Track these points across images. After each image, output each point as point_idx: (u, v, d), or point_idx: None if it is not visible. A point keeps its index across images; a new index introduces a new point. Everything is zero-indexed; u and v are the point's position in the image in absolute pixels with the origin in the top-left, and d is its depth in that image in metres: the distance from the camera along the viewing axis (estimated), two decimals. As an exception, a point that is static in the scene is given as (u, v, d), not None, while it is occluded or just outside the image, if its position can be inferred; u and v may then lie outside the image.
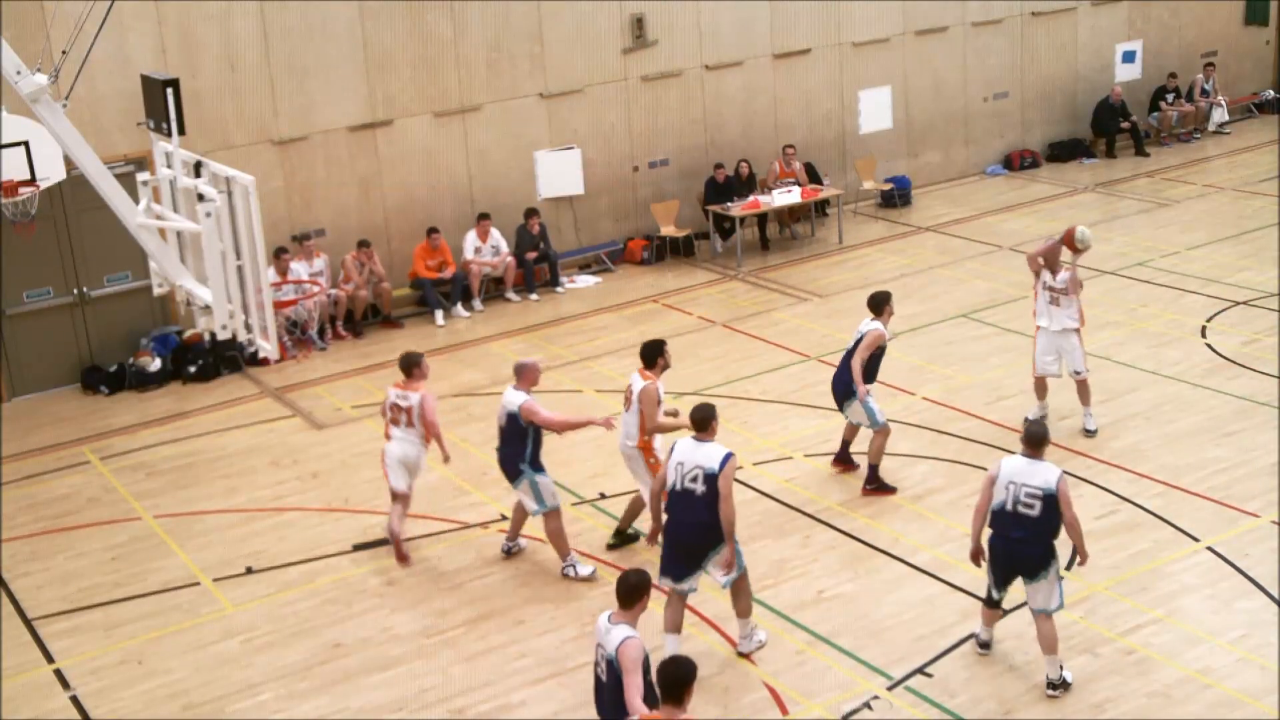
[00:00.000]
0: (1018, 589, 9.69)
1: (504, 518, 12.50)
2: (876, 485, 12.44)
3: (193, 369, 16.61)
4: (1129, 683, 9.50)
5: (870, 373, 12.35)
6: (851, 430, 12.77)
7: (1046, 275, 13.26)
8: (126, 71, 15.71)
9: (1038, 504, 9.15)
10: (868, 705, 9.40)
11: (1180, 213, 20.93)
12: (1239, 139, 25.10)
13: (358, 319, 18.06)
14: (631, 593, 7.67)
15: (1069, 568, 11.03)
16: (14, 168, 11.82)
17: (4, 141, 11.65)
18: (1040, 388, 13.63)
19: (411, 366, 11.74)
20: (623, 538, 11.79)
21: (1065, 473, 9.39)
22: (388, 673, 10.22)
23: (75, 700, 10.16)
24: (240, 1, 17.05)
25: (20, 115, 11.91)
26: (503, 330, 17.84)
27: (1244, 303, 16.68)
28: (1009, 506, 9.24)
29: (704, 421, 9.68)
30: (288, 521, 12.79)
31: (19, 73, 11.11)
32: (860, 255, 20.04)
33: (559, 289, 19.21)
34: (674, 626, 9.76)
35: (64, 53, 11.53)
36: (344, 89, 17.93)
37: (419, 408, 11.54)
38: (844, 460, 12.90)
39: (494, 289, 19.16)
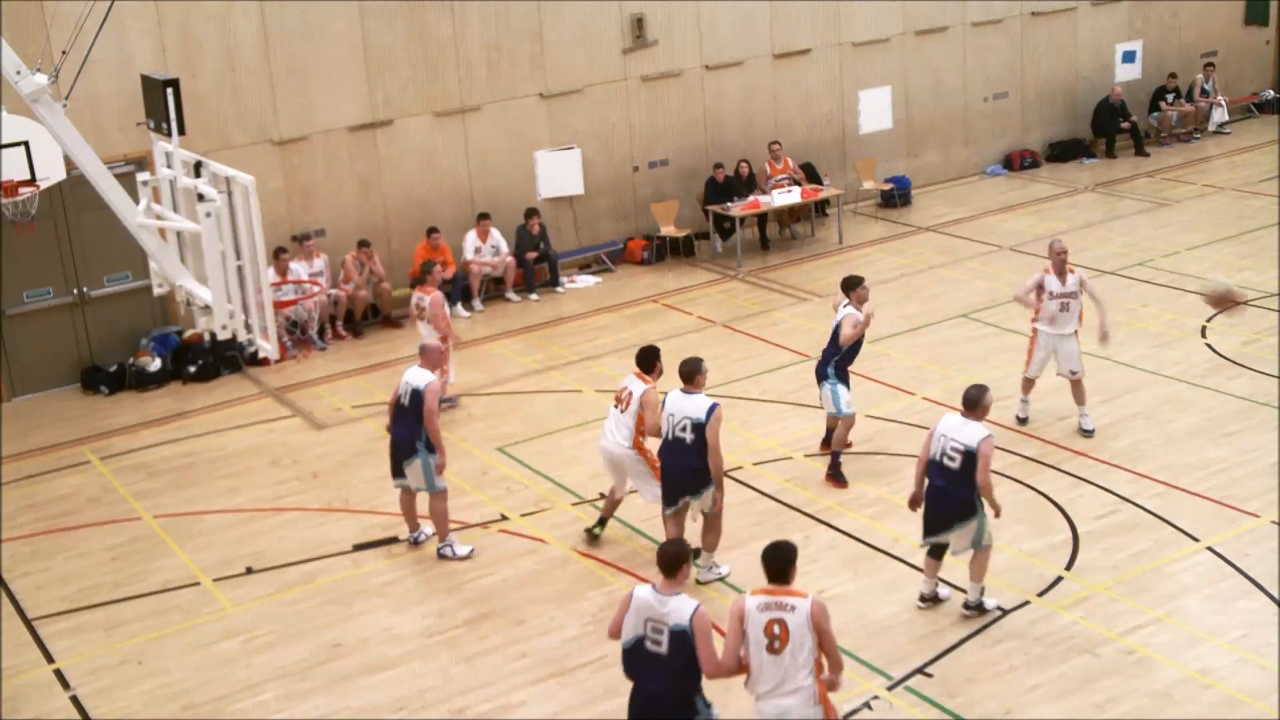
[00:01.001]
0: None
1: (504, 517, 12.51)
2: (835, 476, 12.63)
3: (193, 369, 16.61)
4: (1129, 683, 9.51)
5: (848, 357, 12.63)
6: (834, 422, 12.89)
7: (1053, 282, 13.23)
8: (126, 71, 15.71)
9: (959, 458, 9.92)
10: (868, 705, 9.40)
11: (1180, 213, 20.93)
12: (1239, 139, 25.10)
13: (358, 319, 18.06)
14: (673, 562, 7.79)
15: (1068, 567, 11.04)
16: (14, 168, 11.82)
17: (4, 141, 11.65)
18: (1029, 386, 13.74)
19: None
20: (601, 528, 12.07)
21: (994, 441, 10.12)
22: (388, 673, 10.22)
23: (75, 700, 10.16)
24: (240, 1, 17.06)
25: (20, 115, 11.91)
26: (503, 330, 17.84)
27: (1244, 303, 16.67)
28: (937, 457, 10.06)
29: (690, 374, 10.62)
30: (288, 521, 12.79)
31: (19, 73, 11.11)
32: (860, 255, 20.04)
33: (559, 289, 19.21)
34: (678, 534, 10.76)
35: (64, 53, 11.53)
36: (344, 89, 17.93)
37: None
38: (835, 470, 12.75)
39: (494, 289, 19.16)
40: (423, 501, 11.85)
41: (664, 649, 7.67)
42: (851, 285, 12.70)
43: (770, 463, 13.24)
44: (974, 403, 10.11)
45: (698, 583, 10.82)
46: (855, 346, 12.65)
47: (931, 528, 10.22)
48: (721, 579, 11.04)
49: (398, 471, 11.67)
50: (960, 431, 10.00)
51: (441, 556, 11.75)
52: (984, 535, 10.14)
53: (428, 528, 12.05)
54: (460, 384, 15.90)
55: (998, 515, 10.10)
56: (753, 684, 7.73)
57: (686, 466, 10.57)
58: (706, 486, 10.57)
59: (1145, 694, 9.38)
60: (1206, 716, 9.13)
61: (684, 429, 10.46)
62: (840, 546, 11.59)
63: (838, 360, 12.63)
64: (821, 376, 12.74)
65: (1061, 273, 13.25)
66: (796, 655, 7.57)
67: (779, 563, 7.72)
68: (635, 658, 7.80)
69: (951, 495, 10.01)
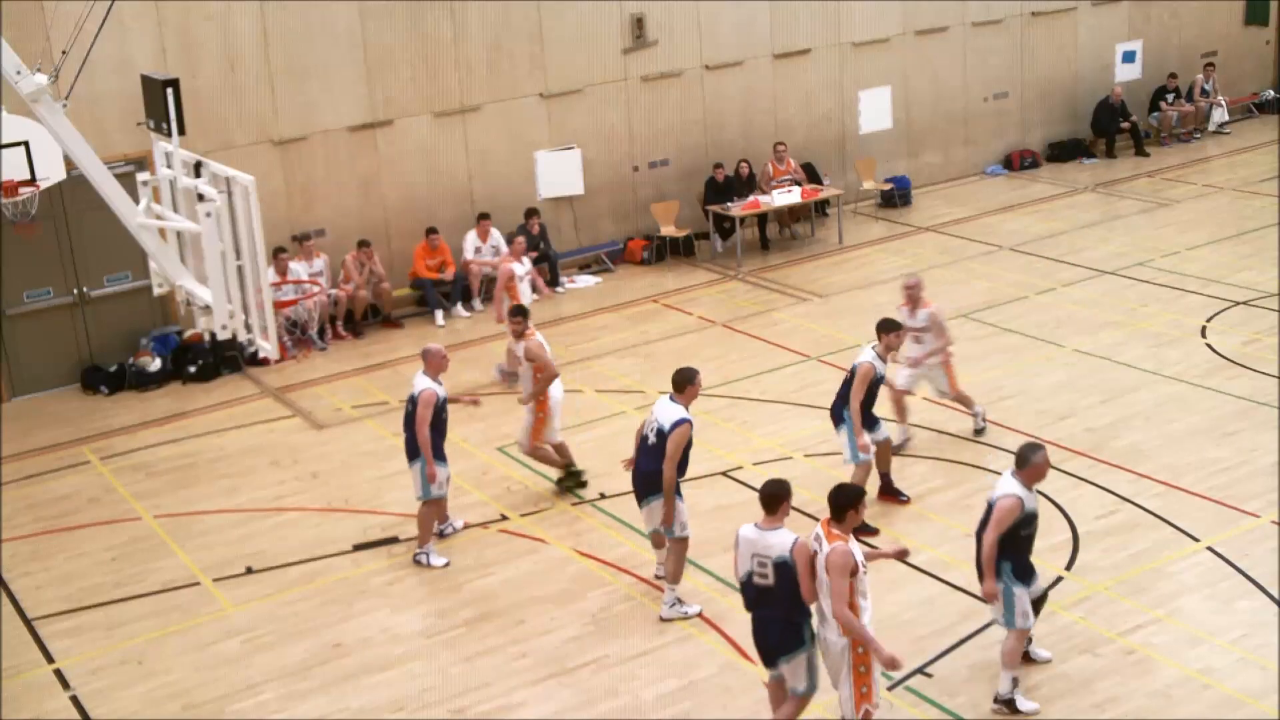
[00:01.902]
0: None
1: (504, 517, 12.51)
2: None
3: (193, 369, 16.62)
4: (1129, 683, 9.51)
5: (867, 402, 11.82)
6: (883, 458, 12.21)
7: (904, 315, 12.95)
8: (126, 71, 15.71)
9: (985, 510, 9.19)
10: (868, 705, 9.38)
11: (1180, 213, 20.92)
12: (1239, 139, 25.10)
13: (358, 319, 18.06)
14: (772, 499, 8.48)
15: (1068, 567, 11.05)
16: (14, 168, 11.81)
17: (4, 141, 11.64)
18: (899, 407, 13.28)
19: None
20: (572, 477, 12.72)
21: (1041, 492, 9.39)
22: (388, 673, 10.22)
23: (75, 700, 10.16)
24: (240, 1, 17.06)
25: (20, 115, 11.90)
26: (502, 330, 17.78)
27: (1244, 303, 16.68)
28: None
29: (681, 383, 10.62)
30: (288, 521, 12.79)
31: (19, 73, 11.10)
32: (860, 255, 20.04)
33: (559, 289, 19.21)
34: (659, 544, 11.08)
35: (64, 53, 11.52)
36: (344, 89, 17.93)
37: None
38: (890, 491, 12.26)
39: (494, 289, 19.14)
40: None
41: (770, 580, 8.38)
42: (887, 329, 11.92)
43: (770, 463, 13.24)
44: (1023, 461, 9.15)
45: (661, 619, 10.62)
46: (874, 392, 11.89)
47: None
48: (685, 618, 10.61)
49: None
50: (996, 485, 9.24)
51: (416, 562, 11.77)
52: (1013, 611, 9.18)
53: (457, 521, 12.22)
54: (460, 384, 15.89)
55: (988, 598, 9.20)
56: (864, 616, 8.31)
57: (644, 469, 10.60)
58: (654, 494, 10.50)
59: (1145, 694, 9.38)
60: (1206, 716, 9.13)
61: (653, 430, 10.53)
62: (840, 546, 11.56)
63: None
64: (838, 421, 11.95)
65: (913, 307, 13.07)
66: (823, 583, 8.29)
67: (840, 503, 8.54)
68: (748, 591, 8.55)
69: (979, 541, 9.23)
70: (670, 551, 10.68)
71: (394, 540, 12.20)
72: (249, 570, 11.90)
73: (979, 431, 13.51)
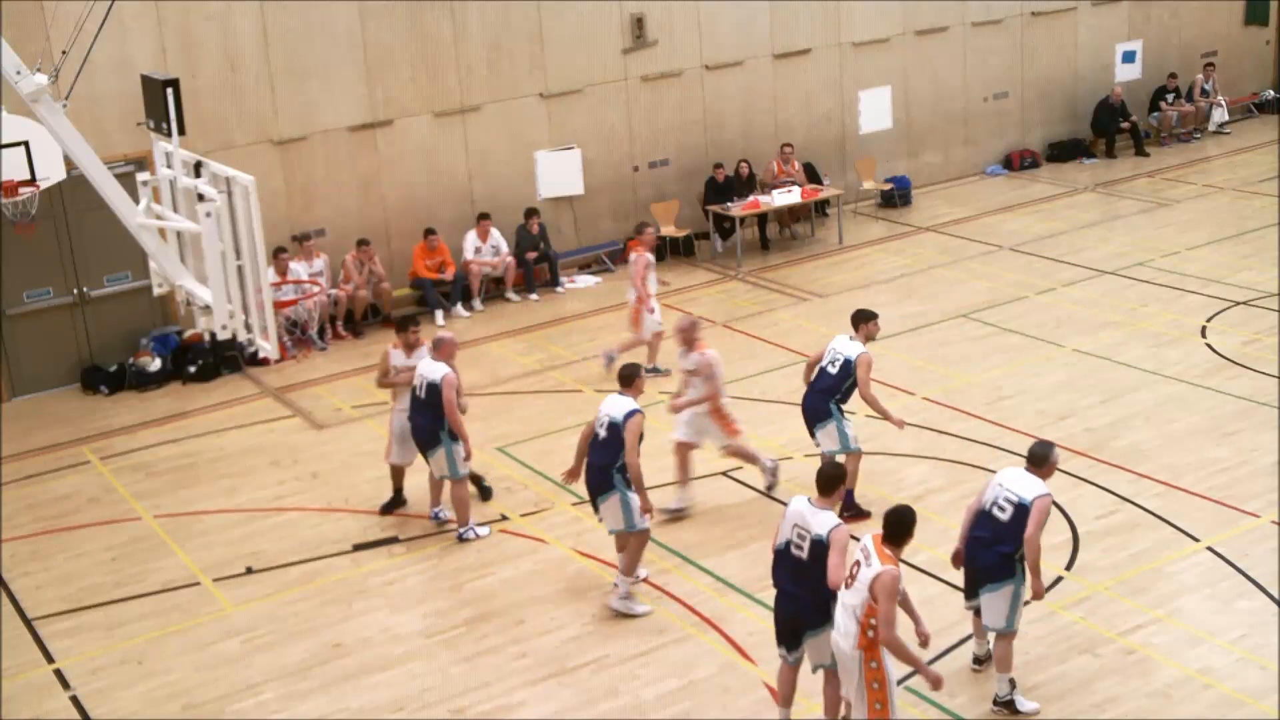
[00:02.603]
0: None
1: (504, 518, 12.52)
2: (853, 512, 11.79)
3: (193, 369, 16.61)
4: (1129, 683, 9.51)
5: (847, 395, 11.79)
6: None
7: (679, 356, 12.40)
8: (126, 71, 15.71)
9: (1010, 509, 9.02)
10: (868, 705, 9.38)
11: (1180, 213, 20.93)
12: (1239, 139, 25.10)
13: (358, 319, 18.06)
14: (830, 482, 8.67)
15: (1068, 567, 11.04)
16: (14, 168, 11.82)
17: (4, 141, 11.64)
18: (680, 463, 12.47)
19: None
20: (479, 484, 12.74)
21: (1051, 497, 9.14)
22: (388, 673, 10.23)
23: (75, 700, 10.17)
24: (240, 1, 17.06)
25: (20, 115, 11.90)
26: (503, 330, 17.84)
27: (1244, 303, 16.68)
28: (987, 507, 9.19)
29: (629, 379, 10.77)
30: (288, 521, 12.79)
31: (19, 73, 11.10)
32: (860, 255, 20.04)
33: (559, 289, 19.21)
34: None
35: (64, 53, 11.52)
36: (344, 89, 17.93)
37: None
38: (853, 507, 11.90)
39: (494, 289, 19.16)
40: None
41: (805, 554, 8.52)
42: (866, 319, 11.95)
43: (770, 463, 13.23)
44: (1041, 460, 9.20)
45: (610, 609, 10.71)
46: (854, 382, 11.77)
47: (970, 586, 9.42)
48: (634, 615, 10.66)
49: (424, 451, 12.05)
50: (1018, 484, 9.12)
51: (462, 539, 11.96)
52: (1007, 613, 9.19)
53: (447, 510, 12.29)
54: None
55: (1037, 596, 9.12)
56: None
57: (594, 465, 10.63)
58: (610, 490, 10.51)
59: (1145, 694, 9.38)
60: (1206, 716, 9.13)
61: (602, 425, 10.60)
62: (840, 546, 11.56)
63: (840, 396, 11.80)
64: (824, 415, 11.80)
65: (687, 349, 12.24)
66: (848, 590, 8.34)
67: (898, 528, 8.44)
68: (782, 560, 8.69)
69: (989, 548, 9.15)
70: (630, 546, 10.70)
71: (394, 540, 12.20)
72: (249, 570, 11.90)
73: (770, 488, 12.42)
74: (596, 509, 10.76)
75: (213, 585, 11.69)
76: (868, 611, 8.17)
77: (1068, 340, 15.89)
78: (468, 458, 11.84)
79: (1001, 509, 9.07)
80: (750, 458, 12.48)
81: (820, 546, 8.46)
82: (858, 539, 8.56)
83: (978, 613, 9.47)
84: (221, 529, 12.74)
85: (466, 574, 11.55)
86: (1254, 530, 11.41)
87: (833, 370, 11.77)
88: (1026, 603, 9.25)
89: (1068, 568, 11.05)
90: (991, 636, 9.41)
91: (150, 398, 16.28)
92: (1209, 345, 15.47)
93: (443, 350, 11.96)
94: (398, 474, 12.63)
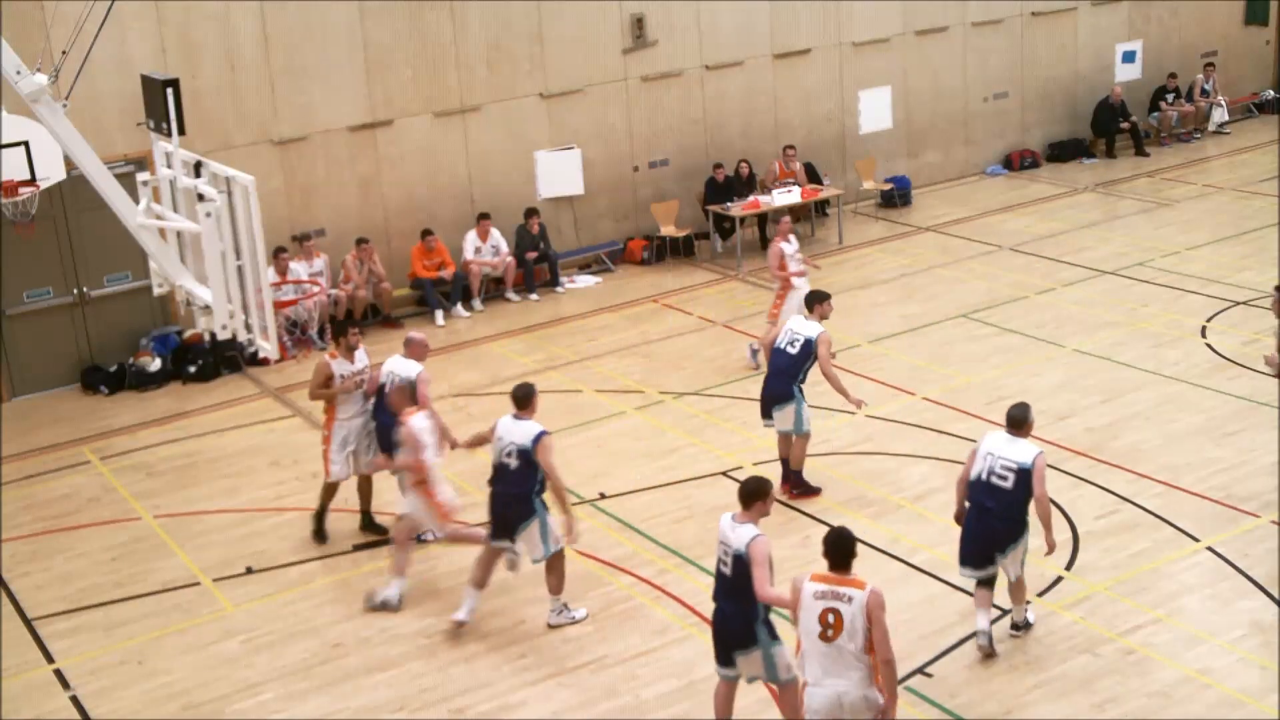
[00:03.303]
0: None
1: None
2: (803, 489, 12.28)
3: (193, 369, 16.61)
4: (1129, 683, 9.51)
5: (806, 375, 12.15)
6: (785, 445, 12.40)
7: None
8: (126, 71, 15.70)
9: (1011, 476, 9.49)
10: (868, 705, 9.38)
11: (1180, 213, 20.93)
12: (1239, 139, 25.10)
13: (358, 319, 18.05)
14: (751, 496, 8.37)
15: (1068, 567, 11.05)
16: (14, 168, 11.82)
17: (4, 141, 11.65)
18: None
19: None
20: (369, 523, 12.39)
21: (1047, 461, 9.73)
22: (388, 673, 10.23)
23: (75, 700, 10.16)
24: (240, 1, 17.06)
25: (20, 115, 11.91)
26: (503, 330, 17.84)
27: (1244, 303, 16.69)
28: (984, 477, 9.60)
29: (524, 399, 10.37)
30: (288, 521, 12.79)
31: (19, 73, 11.10)
32: (860, 255, 20.04)
33: (559, 289, 19.21)
34: (478, 582, 10.59)
35: (64, 53, 11.53)
36: (344, 89, 17.93)
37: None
38: (800, 484, 12.37)
39: (494, 289, 19.16)
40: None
41: (729, 570, 8.37)
42: (821, 299, 12.40)
43: (770, 462, 13.22)
44: (1021, 421, 9.67)
45: (549, 625, 10.61)
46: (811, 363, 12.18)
47: (979, 556, 9.69)
48: (574, 622, 10.64)
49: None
50: (1010, 450, 9.55)
51: (420, 540, 11.79)
52: (1020, 561, 9.71)
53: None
54: (460, 384, 15.91)
55: (1050, 551, 9.67)
56: (805, 669, 7.88)
57: (508, 494, 10.29)
58: (529, 519, 10.20)
59: (1145, 694, 9.38)
60: (1206, 716, 9.13)
61: (510, 454, 10.22)
62: (840, 546, 11.56)
63: (801, 378, 12.12)
64: (786, 397, 12.09)
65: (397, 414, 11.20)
66: (848, 643, 7.67)
67: (842, 551, 7.85)
68: (717, 579, 8.55)
69: (1002, 516, 9.53)
70: (551, 569, 10.49)
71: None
72: (249, 570, 11.90)
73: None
74: (512, 539, 10.31)
75: (213, 585, 11.69)
76: (869, 650, 7.67)
77: (1068, 340, 15.90)
78: (453, 446, 11.59)
79: (1002, 477, 9.51)
80: (471, 539, 10.98)
81: (741, 561, 8.23)
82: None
83: (981, 584, 9.82)
84: (221, 529, 12.74)
85: (466, 574, 11.51)
86: (1254, 530, 11.41)
87: (793, 350, 12.13)
88: (1046, 555, 9.90)
89: (1068, 568, 11.05)
90: (1006, 584, 9.87)
91: (150, 398, 16.28)
92: (1209, 345, 15.47)
93: (413, 350, 11.84)
94: (331, 493, 12.18)
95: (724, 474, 13.05)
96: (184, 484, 13.79)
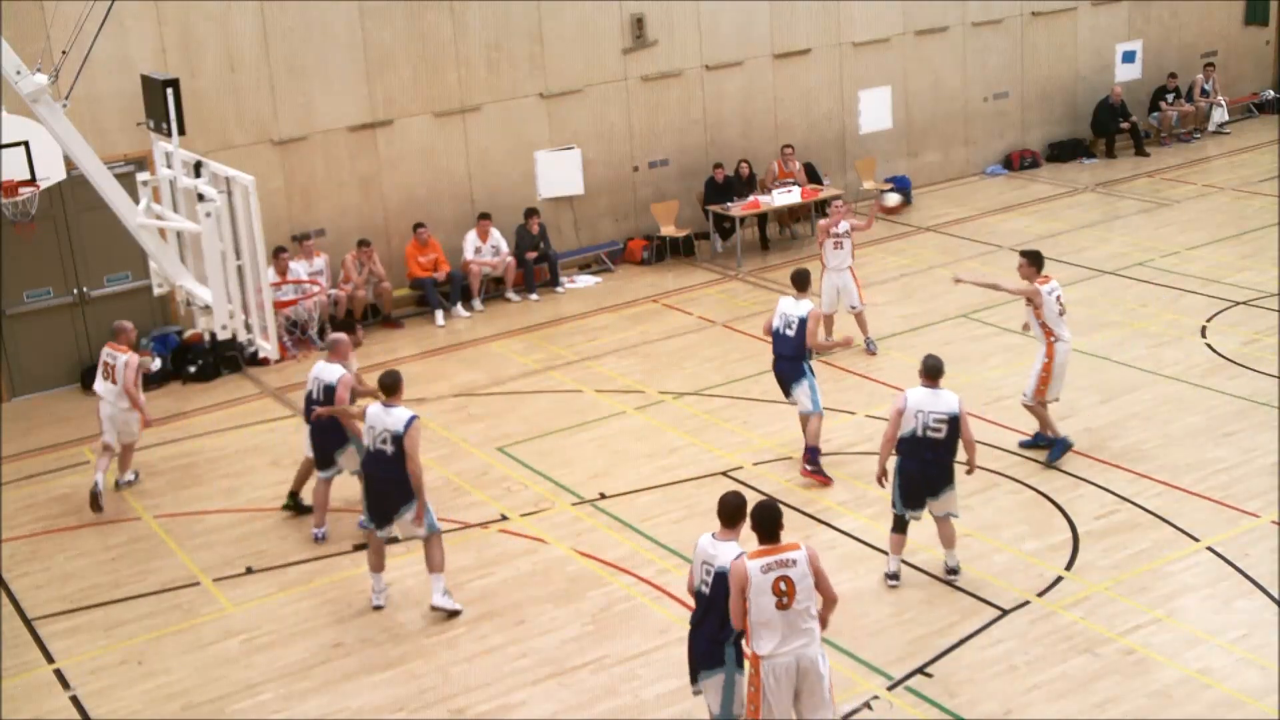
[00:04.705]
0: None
1: (504, 517, 12.52)
2: (815, 469, 12.77)
3: (193, 369, 16.62)
4: (1129, 683, 9.51)
5: (811, 353, 12.81)
6: (802, 422, 12.93)
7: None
8: (126, 71, 15.71)
9: (944, 427, 10.47)
10: (868, 705, 9.40)
11: (1180, 213, 20.93)
12: (1239, 139, 25.11)
13: (357, 319, 18.05)
14: (733, 514, 8.30)
15: (1068, 567, 11.05)
16: (14, 168, 11.83)
17: (4, 141, 11.66)
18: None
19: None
20: (295, 501, 12.80)
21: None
22: (388, 673, 10.23)
23: (75, 700, 10.16)
24: (240, 1, 17.06)
25: (20, 115, 11.91)
26: (503, 330, 17.84)
27: (1244, 303, 16.69)
28: (919, 433, 10.51)
29: (393, 387, 10.66)
30: (288, 521, 12.79)
31: (19, 73, 11.12)
32: (860, 255, 19.94)
33: (559, 289, 19.21)
34: (377, 567, 11.07)
35: (64, 53, 11.55)
36: (344, 89, 17.94)
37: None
38: (815, 463, 12.83)
39: (494, 289, 19.16)
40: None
41: (709, 589, 8.29)
42: (807, 280, 13.10)
43: (770, 463, 13.24)
44: (938, 372, 10.64)
45: (432, 608, 10.86)
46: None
47: (917, 498, 10.68)
48: (452, 611, 10.85)
49: (327, 462, 12.05)
50: (937, 403, 10.51)
51: (316, 540, 12.19)
52: (956, 500, 10.82)
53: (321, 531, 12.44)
54: (460, 384, 15.92)
55: (970, 472, 10.85)
56: (761, 643, 8.05)
57: (385, 478, 10.57)
58: (407, 503, 10.53)
59: (1145, 694, 9.38)
60: (1206, 716, 9.13)
61: (384, 441, 10.49)
62: (840, 546, 11.59)
63: (807, 355, 12.73)
64: (800, 375, 12.72)
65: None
66: (804, 603, 8.05)
67: (770, 523, 8.15)
68: (697, 600, 8.44)
69: (940, 464, 10.56)
70: (432, 545, 10.84)
71: (394, 540, 12.18)
72: (249, 570, 11.90)
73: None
74: (390, 523, 10.68)
75: (213, 585, 11.69)
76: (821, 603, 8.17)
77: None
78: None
79: (935, 429, 10.49)
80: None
81: (723, 580, 8.13)
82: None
83: (899, 528, 10.84)
84: (221, 529, 12.74)
85: (466, 574, 11.55)
86: (1254, 530, 11.41)
87: (791, 333, 12.72)
88: (968, 473, 10.90)
89: (1068, 568, 11.05)
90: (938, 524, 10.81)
91: (150, 398, 16.16)
92: (1209, 345, 15.47)
93: (338, 352, 11.98)
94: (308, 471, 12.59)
95: (724, 474, 13.05)
96: (184, 484, 13.79)
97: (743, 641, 8.23)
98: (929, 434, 10.50)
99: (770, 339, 12.97)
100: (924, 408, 10.51)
